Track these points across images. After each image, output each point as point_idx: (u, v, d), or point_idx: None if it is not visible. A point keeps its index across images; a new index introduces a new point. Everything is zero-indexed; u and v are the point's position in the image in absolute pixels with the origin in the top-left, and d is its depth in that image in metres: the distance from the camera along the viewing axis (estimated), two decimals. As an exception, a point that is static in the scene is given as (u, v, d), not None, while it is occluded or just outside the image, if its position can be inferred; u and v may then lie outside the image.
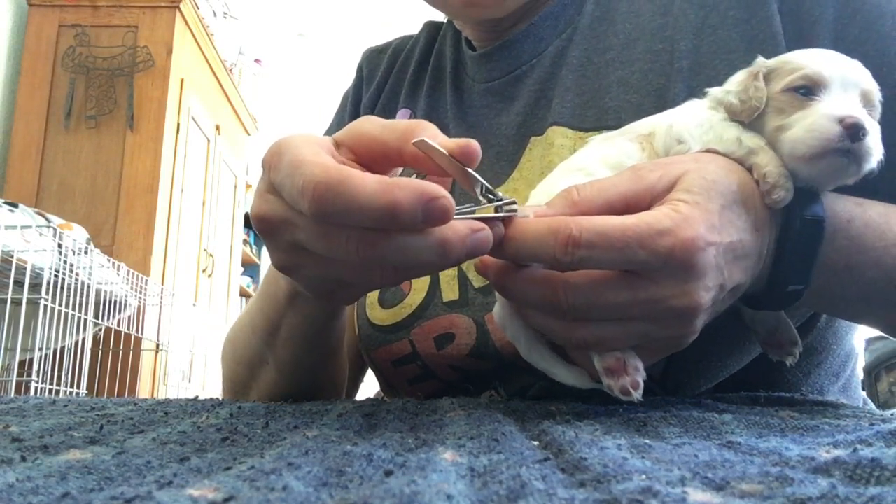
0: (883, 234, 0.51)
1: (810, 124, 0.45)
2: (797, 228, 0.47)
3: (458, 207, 0.38)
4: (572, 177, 0.53)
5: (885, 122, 0.48)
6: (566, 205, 0.44)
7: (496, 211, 0.41)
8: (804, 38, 0.61)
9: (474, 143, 0.38)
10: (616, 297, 0.42)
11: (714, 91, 0.52)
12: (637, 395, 0.43)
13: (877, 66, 0.57)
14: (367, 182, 0.35)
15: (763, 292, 0.49)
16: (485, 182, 0.40)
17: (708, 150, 0.49)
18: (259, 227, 0.43)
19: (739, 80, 0.50)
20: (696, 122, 0.51)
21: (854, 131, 0.44)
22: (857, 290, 0.52)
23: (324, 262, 0.41)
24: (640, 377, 0.43)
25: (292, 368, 0.68)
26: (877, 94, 0.48)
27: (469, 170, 0.39)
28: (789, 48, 0.61)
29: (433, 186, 0.35)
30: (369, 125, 0.42)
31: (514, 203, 0.42)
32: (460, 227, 0.38)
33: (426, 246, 0.37)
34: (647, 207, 0.43)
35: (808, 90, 0.47)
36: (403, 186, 0.35)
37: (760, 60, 0.50)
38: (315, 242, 0.39)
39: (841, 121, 0.44)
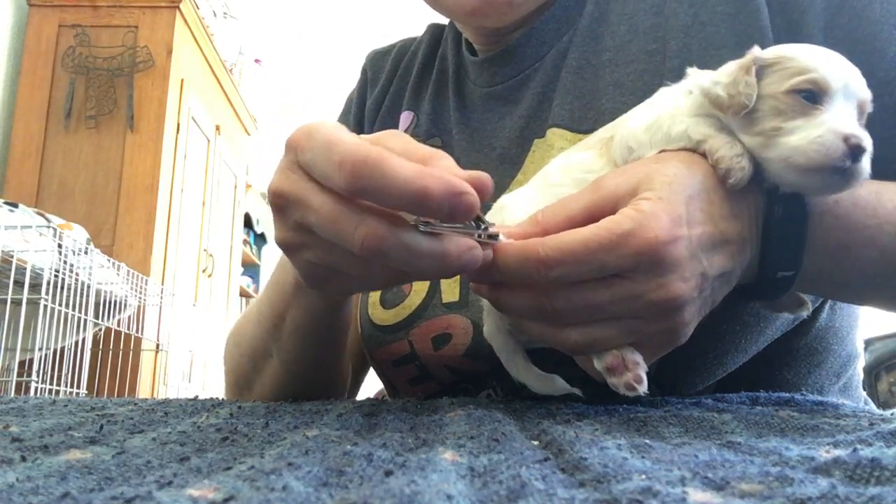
0: (875, 211, 0.50)
1: (816, 137, 0.43)
2: (779, 213, 0.47)
3: (445, 224, 0.39)
4: (534, 182, 0.54)
5: (878, 106, 0.47)
6: (531, 225, 0.45)
7: (478, 237, 0.42)
8: (793, 28, 0.61)
9: (486, 178, 0.40)
10: (596, 298, 0.43)
11: (699, 77, 0.49)
12: (642, 389, 0.44)
13: (867, 53, 0.56)
14: (404, 164, 0.36)
15: (754, 281, 0.49)
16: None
17: (662, 152, 0.49)
18: (274, 201, 0.44)
19: (729, 72, 0.47)
20: (644, 125, 0.50)
21: (857, 152, 0.43)
22: (856, 272, 0.52)
23: (326, 248, 0.42)
24: (643, 371, 0.44)
25: (295, 361, 0.68)
26: (869, 105, 0.47)
27: None
28: (778, 40, 0.59)
29: (462, 182, 0.37)
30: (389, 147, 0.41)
31: (497, 234, 0.43)
32: (460, 242, 0.39)
33: (427, 252, 0.38)
34: (612, 214, 0.43)
35: (812, 96, 0.44)
36: (437, 176, 0.36)
37: (755, 52, 0.47)
38: (324, 225, 0.40)
39: (846, 139, 0.43)
